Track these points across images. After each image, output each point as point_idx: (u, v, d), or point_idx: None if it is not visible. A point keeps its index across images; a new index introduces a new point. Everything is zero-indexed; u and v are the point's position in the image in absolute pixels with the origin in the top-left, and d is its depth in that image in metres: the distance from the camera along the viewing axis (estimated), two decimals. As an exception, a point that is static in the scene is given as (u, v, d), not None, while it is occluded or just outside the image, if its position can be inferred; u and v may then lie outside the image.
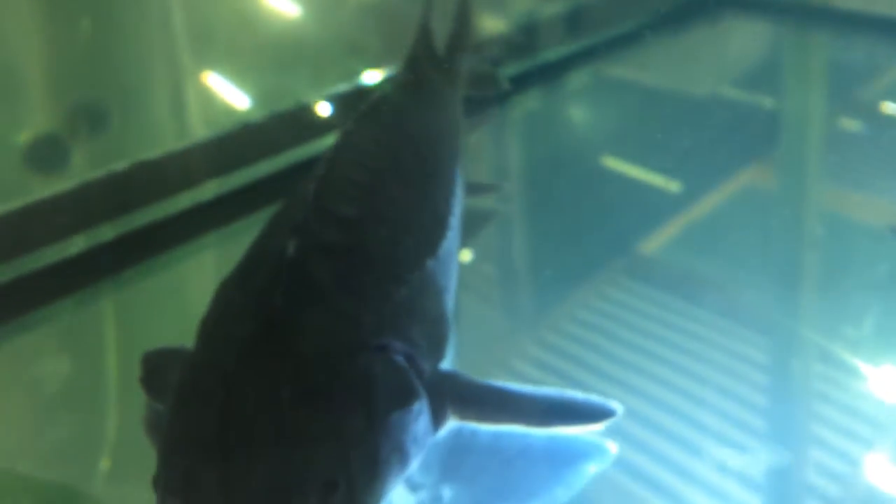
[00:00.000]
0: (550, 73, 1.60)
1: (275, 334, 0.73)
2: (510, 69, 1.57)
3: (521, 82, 1.54)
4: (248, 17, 1.46)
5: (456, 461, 0.82)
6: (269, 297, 0.76)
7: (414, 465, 0.76)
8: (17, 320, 1.10)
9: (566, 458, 0.83)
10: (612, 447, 0.84)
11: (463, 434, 0.82)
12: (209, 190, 1.29)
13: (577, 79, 1.54)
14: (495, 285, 1.11)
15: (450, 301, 0.92)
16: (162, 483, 0.68)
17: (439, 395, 0.79)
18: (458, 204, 1.03)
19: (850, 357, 0.75)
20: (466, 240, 1.06)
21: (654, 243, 1.05)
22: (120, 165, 1.24)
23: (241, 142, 1.36)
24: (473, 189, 1.17)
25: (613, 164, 1.09)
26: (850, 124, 1.23)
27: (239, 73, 1.42)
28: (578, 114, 1.38)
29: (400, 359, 0.77)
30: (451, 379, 0.82)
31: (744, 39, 1.73)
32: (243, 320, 0.75)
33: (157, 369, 0.89)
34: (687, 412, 0.74)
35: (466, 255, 1.08)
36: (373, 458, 0.70)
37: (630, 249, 1.06)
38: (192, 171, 1.30)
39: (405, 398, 0.75)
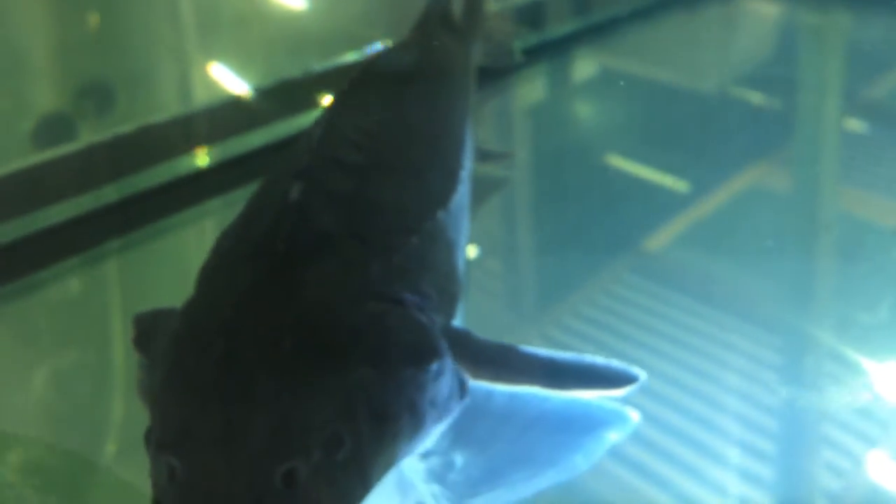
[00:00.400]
0: (559, 49, 1.56)
1: (277, 280, 0.69)
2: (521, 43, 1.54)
3: (533, 55, 1.51)
4: (254, 9, 1.44)
5: (468, 427, 0.78)
6: (272, 242, 0.71)
7: (433, 431, 0.72)
8: (23, 280, 1.08)
9: (586, 425, 0.79)
10: (634, 416, 0.80)
11: (476, 398, 0.78)
12: (213, 157, 1.25)
13: (585, 62, 1.50)
14: (501, 281, 1.08)
15: (461, 259, 0.88)
16: (155, 437, 0.63)
17: (452, 350, 0.75)
18: (469, 161, 0.99)
19: (859, 355, 0.73)
20: (478, 205, 1.03)
21: (660, 239, 1.02)
22: (125, 128, 1.22)
23: (243, 110, 1.34)
24: (484, 155, 1.14)
25: (621, 158, 1.07)
26: (866, 120, 1.18)
27: (243, 64, 1.39)
28: (586, 108, 1.34)
29: (420, 314, 0.73)
30: (464, 335, 0.78)
31: (757, 22, 1.69)
32: (244, 267, 0.71)
33: (149, 329, 0.83)
34: (691, 407, 0.71)
35: (472, 251, 1.05)
36: (382, 414, 0.66)
37: (636, 245, 1.03)
38: (195, 137, 1.28)
39: (423, 356, 0.70)
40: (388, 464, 0.67)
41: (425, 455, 0.77)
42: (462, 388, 0.75)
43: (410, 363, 0.69)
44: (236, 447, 0.60)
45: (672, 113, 1.20)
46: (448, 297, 0.80)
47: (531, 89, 1.43)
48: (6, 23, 1.18)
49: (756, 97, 1.25)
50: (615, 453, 0.76)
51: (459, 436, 0.77)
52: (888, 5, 1.57)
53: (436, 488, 0.76)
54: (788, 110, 1.18)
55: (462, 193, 0.91)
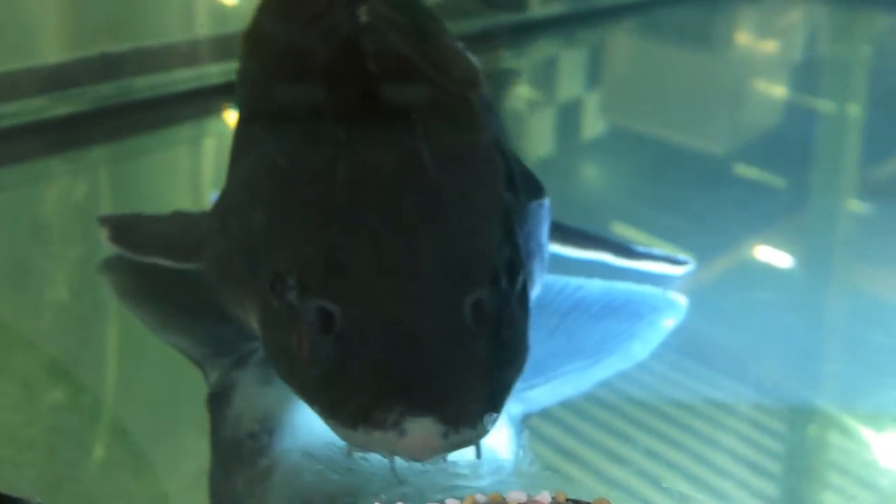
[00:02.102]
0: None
1: (380, 98, 0.59)
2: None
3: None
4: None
5: None
6: (357, 62, 0.61)
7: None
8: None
9: (635, 311, 0.76)
10: (681, 300, 0.78)
11: None
12: (216, 75, 1.20)
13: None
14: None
15: None
16: (297, 279, 0.50)
17: None
18: None
19: (866, 428, 0.70)
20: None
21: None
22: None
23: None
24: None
25: (623, 221, 1.01)
26: (878, 198, 1.13)
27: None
28: (592, 168, 1.29)
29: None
30: None
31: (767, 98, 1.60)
32: (326, 90, 0.61)
33: (128, 226, 0.77)
34: (689, 468, 0.66)
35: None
36: (536, 244, 0.58)
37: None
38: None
39: (541, 188, 0.63)
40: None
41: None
42: None
43: (533, 196, 0.61)
44: (413, 278, 0.49)
45: (676, 176, 1.15)
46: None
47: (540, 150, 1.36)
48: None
49: (762, 170, 1.20)
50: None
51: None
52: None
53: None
54: (795, 184, 1.14)
55: None
